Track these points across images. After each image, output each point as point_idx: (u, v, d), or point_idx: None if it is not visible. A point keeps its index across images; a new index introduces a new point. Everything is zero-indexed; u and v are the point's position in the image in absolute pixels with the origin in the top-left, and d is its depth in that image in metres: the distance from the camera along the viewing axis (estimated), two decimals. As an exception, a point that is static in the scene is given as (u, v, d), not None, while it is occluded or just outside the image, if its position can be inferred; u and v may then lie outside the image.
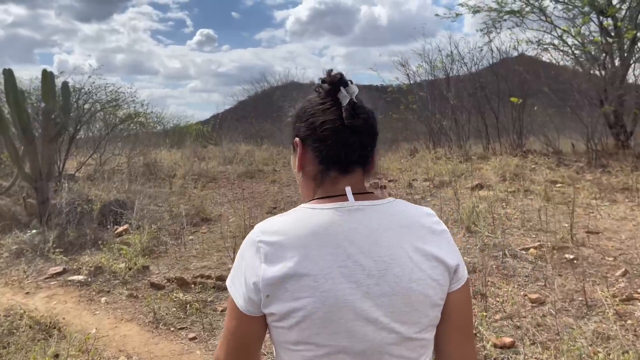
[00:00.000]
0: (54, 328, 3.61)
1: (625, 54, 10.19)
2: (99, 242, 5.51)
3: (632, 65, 10.27)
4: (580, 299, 3.66)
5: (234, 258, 1.00)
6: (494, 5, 11.67)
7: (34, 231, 5.92)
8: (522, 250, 4.66)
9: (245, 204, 7.40)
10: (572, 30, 10.78)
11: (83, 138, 12.16)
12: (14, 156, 6.78)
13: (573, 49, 10.99)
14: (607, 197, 6.64)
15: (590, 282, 3.94)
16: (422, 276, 0.89)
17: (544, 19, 11.20)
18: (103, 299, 4.30)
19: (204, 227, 6.47)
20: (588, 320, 3.35)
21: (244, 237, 0.96)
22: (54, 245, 5.37)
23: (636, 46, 10.27)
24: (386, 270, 0.87)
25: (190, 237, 6.03)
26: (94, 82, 10.83)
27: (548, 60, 11.71)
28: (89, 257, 5.16)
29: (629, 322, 3.31)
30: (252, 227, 0.97)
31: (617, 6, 10.30)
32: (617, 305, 3.48)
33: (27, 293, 4.52)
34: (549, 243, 4.75)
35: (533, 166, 8.75)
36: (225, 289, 4.31)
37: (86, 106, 11.07)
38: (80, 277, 4.73)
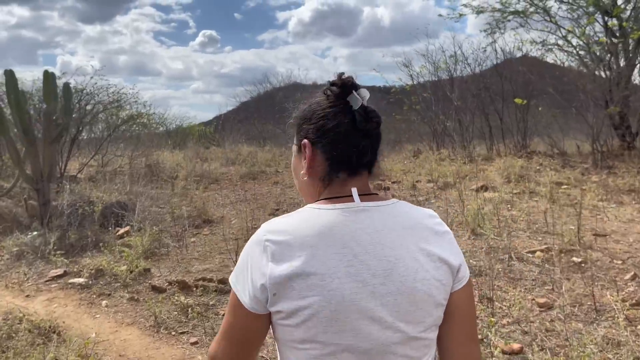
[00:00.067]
0: (54, 332, 3.55)
1: (631, 55, 10.11)
2: (100, 244, 5.46)
3: (638, 66, 10.21)
4: (589, 303, 3.59)
5: (236, 260, 1.00)
6: (498, 6, 11.63)
7: (34, 233, 5.88)
8: (528, 253, 4.59)
9: (248, 205, 7.35)
10: (576, 30, 10.71)
11: (85, 139, 12.16)
12: (15, 158, 6.74)
13: (578, 49, 10.92)
14: (613, 199, 6.57)
15: (598, 286, 3.87)
16: (427, 276, 0.90)
17: (548, 20, 11.14)
18: (104, 302, 4.24)
19: (206, 229, 6.41)
20: (597, 326, 3.29)
21: (246, 240, 0.96)
22: (55, 248, 5.32)
23: (642, 47, 10.18)
24: (391, 270, 0.88)
25: (192, 239, 5.98)
26: (95, 83, 10.82)
27: (552, 61, 11.66)
28: (90, 259, 5.11)
29: (640, 327, 3.24)
30: (254, 229, 0.97)
31: (622, 6, 10.23)
32: (627, 310, 3.41)
33: (27, 296, 4.48)
34: (555, 246, 4.68)
35: (538, 167, 8.68)
36: (227, 292, 4.26)
37: (88, 107, 11.06)
38: (81, 280, 4.68)
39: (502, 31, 11.96)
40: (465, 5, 12.11)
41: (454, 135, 11.88)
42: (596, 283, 3.89)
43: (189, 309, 3.90)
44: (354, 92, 0.96)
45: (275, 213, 6.92)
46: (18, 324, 3.64)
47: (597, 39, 10.40)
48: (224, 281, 4.36)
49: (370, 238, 0.89)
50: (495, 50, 12.10)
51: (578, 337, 3.10)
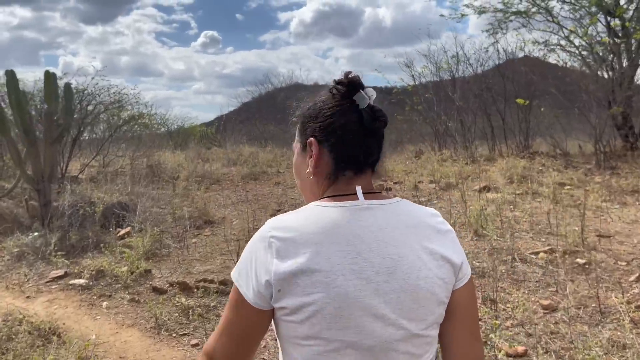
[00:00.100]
0: (54, 334, 3.53)
1: (633, 55, 10.06)
2: (101, 245, 5.44)
3: (641, 66, 10.14)
4: (593, 305, 3.56)
5: (237, 262, 0.96)
6: (500, 6, 11.58)
7: (35, 234, 5.86)
8: (531, 255, 4.55)
9: (249, 206, 7.32)
10: (579, 30, 10.65)
11: (86, 140, 12.15)
12: (16, 158, 6.73)
13: (580, 49, 10.86)
14: (617, 200, 6.53)
15: (603, 287, 3.83)
16: (429, 274, 0.91)
17: (551, 20, 11.09)
18: (104, 304, 4.22)
19: (207, 230, 6.39)
20: (602, 328, 3.25)
21: (247, 240, 0.95)
22: (56, 248, 5.30)
23: (644, 47, 10.14)
24: (395, 268, 0.89)
25: (194, 240, 5.96)
26: (97, 84, 10.80)
27: (555, 62, 11.61)
28: (91, 260, 5.09)
29: (645, 329, 3.20)
30: (256, 229, 0.95)
31: (625, 6, 10.17)
32: (632, 312, 3.37)
33: (28, 297, 4.45)
34: (559, 247, 4.64)
35: (540, 168, 8.64)
36: (228, 293, 4.23)
37: (89, 108, 11.05)
38: (82, 281, 4.66)
39: (504, 31, 11.92)
40: (467, 6, 12.08)
41: (456, 135, 11.84)
42: (601, 285, 3.85)
43: (190, 311, 3.88)
44: (361, 90, 0.97)
45: (276, 214, 6.82)
46: (18, 325, 3.62)
47: (599, 39, 10.35)
48: (225, 282, 4.34)
49: (374, 236, 0.90)
50: (498, 51, 12.06)
51: (583, 340, 3.07)
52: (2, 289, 4.65)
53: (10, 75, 6.72)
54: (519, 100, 10.29)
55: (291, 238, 0.88)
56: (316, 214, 0.92)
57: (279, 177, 9.95)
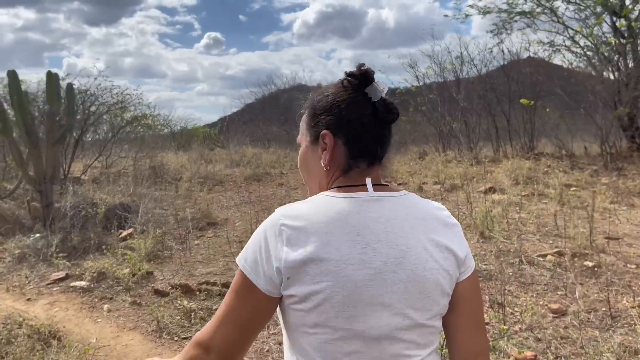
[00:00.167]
0: (54, 337, 3.47)
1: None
2: (102, 247, 5.38)
3: (647, 67, 10.04)
4: (603, 309, 3.48)
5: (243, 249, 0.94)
6: (504, 7, 11.51)
7: (37, 235, 5.81)
8: (539, 257, 4.48)
9: (252, 207, 7.26)
10: (584, 31, 10.57)
11: (89, 140, 12.13)
12: (18, 159, 6.69)
13: (585, 50, 10.78)
14: (624, 202, 6.45)
15: (613, 291, 3.75)
16: (435, 266, 0.92)
17: (556, 20, 11.02)
18: (105, 306, 4.16)
19: (210, 232, 6.33)
20: (613, 333, 3.17)
21: None
22: (57, 250, 5.25)
23: (651, 47, 10.05)
24: (403, 259, 0.90)
25: (196, 242, 5.90)
26: (99, 85, 10.78)
27: (560, 63, 11.53)
28: (93, 262, 5.03)
29: (658, 334, 3.13)
30: None
31: (631, 6, 10.09)
32: (644, 316, 3.30)
33: (29, 299, 4.40)
34: (567, 249, 4.57)
35: (546, 169, 8.56)
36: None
37: (92, 108, 11.02)
38: (83, 283, 4.61)
39: (509, 32, 11.86)
40: (471, 6, 12.03)
41: (460, 136, 11.77)
42: (611, 288, 3.77)
43: (192, 314, 3.82)
44: (373, 83, 0.98)
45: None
46: (17, 328, 3.57)
47: (605, 39, 10.27)
48: (228, 285, 4.26)
49: (383, 227, 0.91)
50: (502, 51, 11.99)
51: (594, 345, 2.99)
52: (3, 291, 4.60)
53: (12, 75, 6.69)
54: (523, 101, 10.21)
55: (302, 227, 0.88)
56: (326, 203, 0.92)
57: (282, 178, 9.89)
